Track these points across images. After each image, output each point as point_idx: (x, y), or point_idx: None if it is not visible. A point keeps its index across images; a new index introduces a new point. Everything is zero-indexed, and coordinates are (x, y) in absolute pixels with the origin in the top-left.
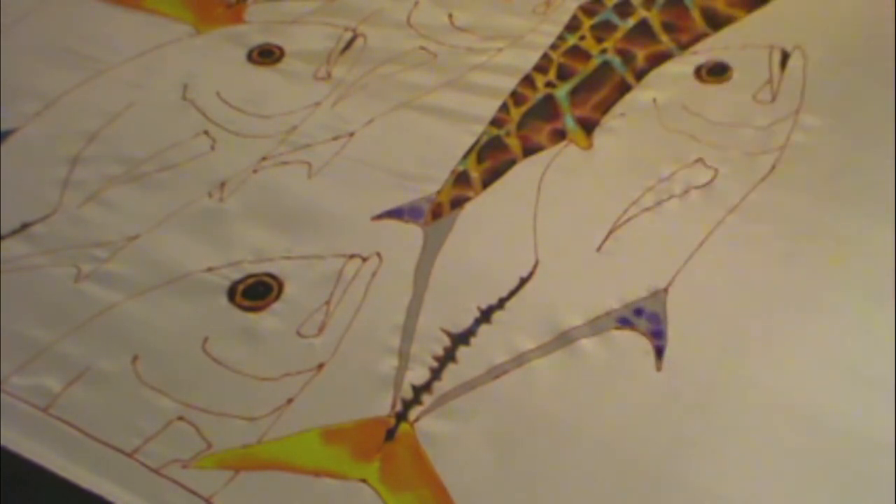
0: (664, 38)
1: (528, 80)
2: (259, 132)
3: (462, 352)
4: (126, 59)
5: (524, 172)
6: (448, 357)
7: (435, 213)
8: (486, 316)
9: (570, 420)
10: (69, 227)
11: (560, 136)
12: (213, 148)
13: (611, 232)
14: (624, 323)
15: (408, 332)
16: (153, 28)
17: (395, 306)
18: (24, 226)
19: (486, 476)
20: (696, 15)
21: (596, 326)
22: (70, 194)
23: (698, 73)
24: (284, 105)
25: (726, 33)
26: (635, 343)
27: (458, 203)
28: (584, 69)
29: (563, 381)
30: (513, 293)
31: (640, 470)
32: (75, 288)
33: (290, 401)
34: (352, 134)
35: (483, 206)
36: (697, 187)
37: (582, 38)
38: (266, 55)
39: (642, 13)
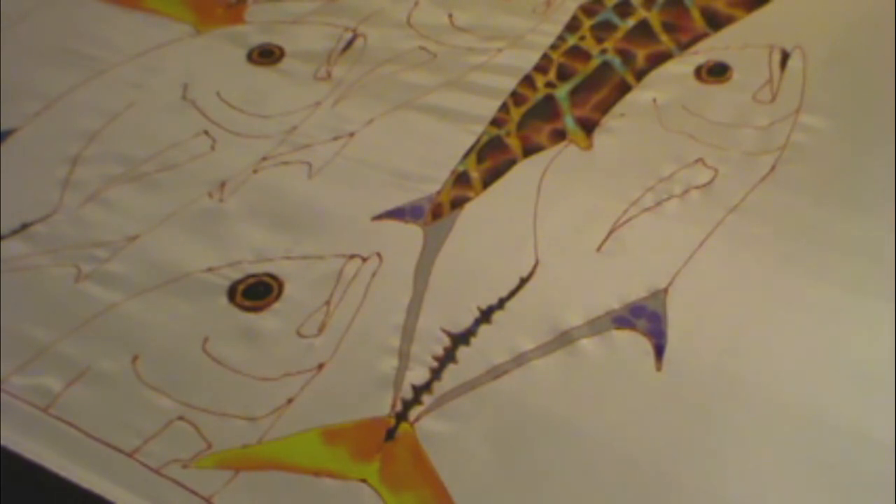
0: (664, 38)
1: (528, 80)
2: (259, 132)
3: (462, 352)
4: (126, 59)
5: (524, 172)
6: (448, 357)
7: (435, 213)
8: (486, 316)
9: (570, 420)
10: (69, 227)
11: (560, 136)
12: (213, 148)
13: (611, 232)
14: (624, 323)
15: (408, 332)
16: (153, 28)
17: (395, 306)
18: (24, 226)
19: (486, 476)
20: (696, 15)
21: (596, 326)
22: (70, 194)
23: (698, 73)
24: (284, 105)
25: (726, 33)
26: (635, 343)
27: (458, 203)
28: (584, 69)
29: (563, 381)
30: (513, 293)
31: (640, 470)
32: (75, 288)
33: (290, 401)
34: (352, 134)
35: (483, 207)
36: (697, 187)
37: (582, 38)
38: (266, 55)
39: (642, 13)
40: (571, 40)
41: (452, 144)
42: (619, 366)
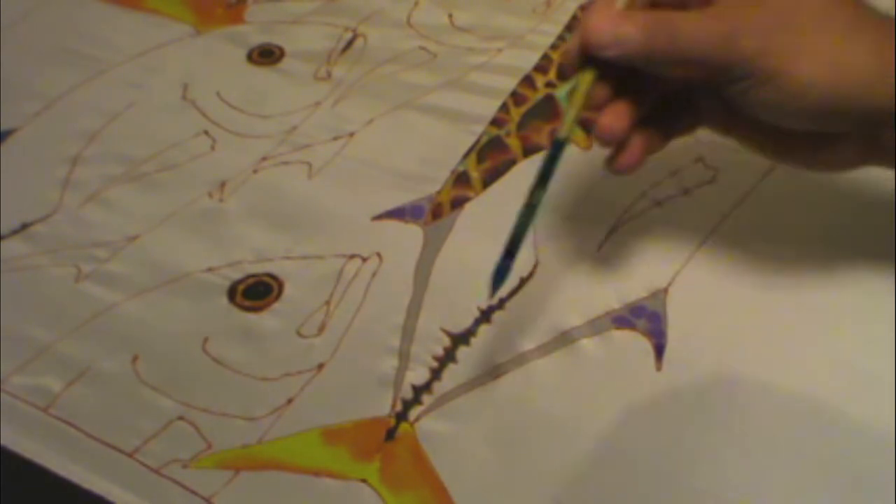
0: None
1: (528, 80)
2: (259, 132)
3: (462, 352)
4: (126, 59)
5: (524, 172)
6: (448, 357)
7: (435, 213)
8: (486, 316)
9: (570, 420)
10: (69, 227)
11: None
12: (213, 148)
13: (611, 232)
14: (624, 323)
15: (408, 332)
16: (153, 28)
17: (395, 306)
18: (24, 226)
19: (486, 476)
20: None
21: (596, 326)
22: (70, 194)
23: None
24: (284, 105)
25: None
26: (635, 343)
27: (458, 203)
28: None
29: (563, 381)
30: (513, 293)
31: (640, 470)
32: (75, 288)
33: (290, 401)
34: (352, 134)
35: (483, 207)
36: (697, 187)
37: None
38: (266, 55)
39: None
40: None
41: (452, 144)
42: (619, 366)
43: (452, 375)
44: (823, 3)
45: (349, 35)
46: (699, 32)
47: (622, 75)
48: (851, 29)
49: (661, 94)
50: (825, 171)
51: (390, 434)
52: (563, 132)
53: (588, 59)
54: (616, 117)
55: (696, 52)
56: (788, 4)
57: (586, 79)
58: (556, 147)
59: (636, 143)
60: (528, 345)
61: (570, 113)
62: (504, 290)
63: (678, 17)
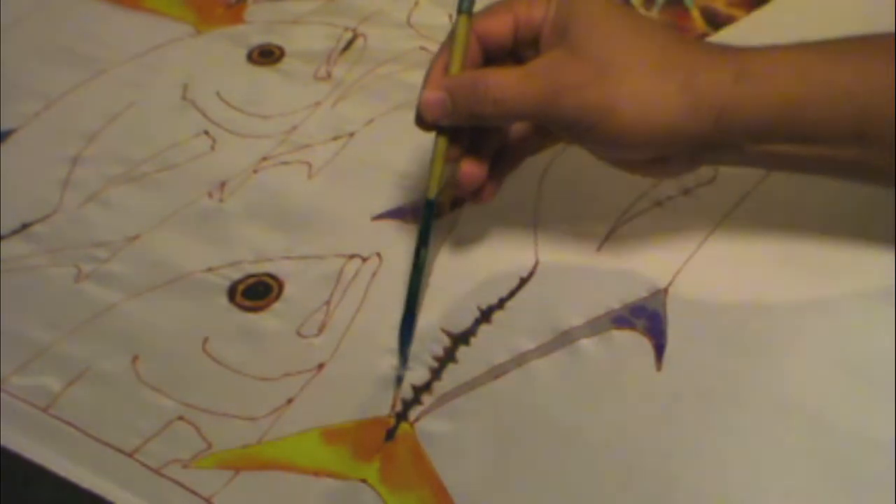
0: None
1: None
2: (259, 132)
3: (462, 352)
4: (126, 59)
5: (524, 172)
6: (448, 357)
7: (435, 214)
8: (486, 316)
9: (570, 420)
10: (69, 227)
11: None
12: (213, 148)
13: (611, 232)
14: (624, 323)
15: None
16: (153, 28)
17: (395, 306)
18: (24, 226)
19: (486, 476)
20: (696, 15)
21: (596, 326)
22: (70, 194)
23: None
24: (284, 105)
25: (726, 33)
26: (635, 343)
27: (458, 203)
28: None
29: (563, 381)
30: (513, 293)
31: (640, 470)
32: (75, 288)
33: (290, 401)
34: (352, 134)
35: (483, 207)
36: (697, 187)
37: None
38: (266, 55)
39: (642, 13)
40: None
41: None
42: (619, 366)
43: (452, 375)
44: (632, 49)
45: (349, 35)
46: (518, 93)
47: (470, 127)
48: (660, 72)
49: (505, 133)
50: (667, 178)
51: (390, 434)
52: (431, 193)
53: (433, 125)
54: (474, 165)
55: (519, 111)
56: (602, 55)
57: (441, 143)
58: (429, 207)
59: (492, 181)
60: (528, 345)
61: (434, 175)
62: (504, 290)
63: (496, 75)
